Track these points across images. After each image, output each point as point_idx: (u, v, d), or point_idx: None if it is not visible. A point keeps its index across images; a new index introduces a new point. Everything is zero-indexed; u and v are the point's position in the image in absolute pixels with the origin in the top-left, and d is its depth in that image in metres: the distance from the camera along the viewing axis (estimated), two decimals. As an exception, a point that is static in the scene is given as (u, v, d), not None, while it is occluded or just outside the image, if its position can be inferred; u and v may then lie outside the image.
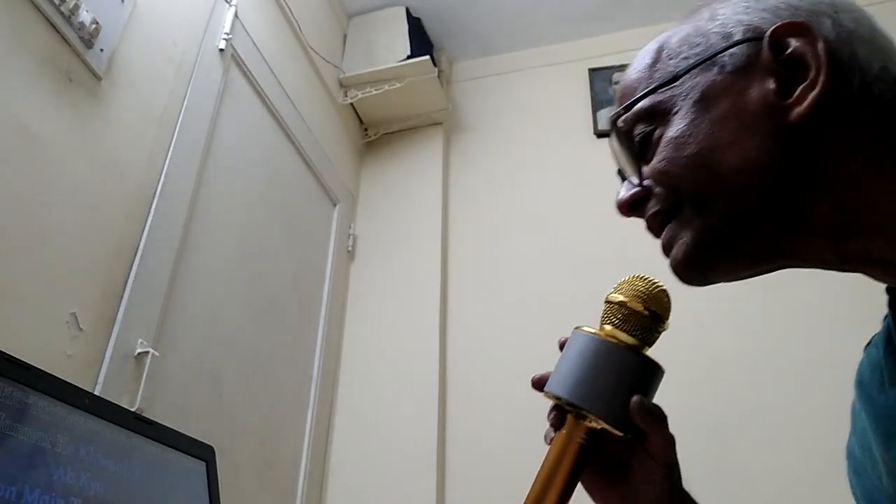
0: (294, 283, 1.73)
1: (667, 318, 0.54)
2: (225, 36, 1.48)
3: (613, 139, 0.55)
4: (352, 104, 2.17)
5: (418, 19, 2.22)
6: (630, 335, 0.52)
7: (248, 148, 1.58)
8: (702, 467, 1.47)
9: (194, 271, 1.32)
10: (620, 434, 0.51)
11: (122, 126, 1.16)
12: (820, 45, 0.44)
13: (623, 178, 0.55)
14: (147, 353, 1.11)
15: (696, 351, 1.64)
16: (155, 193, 1.21)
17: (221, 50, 1.47)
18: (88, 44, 1.08)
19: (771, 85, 0.46)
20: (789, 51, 0.46)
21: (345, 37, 2.25)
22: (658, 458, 0.53)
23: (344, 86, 2.13)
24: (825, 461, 1.49)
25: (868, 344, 0.53)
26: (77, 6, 1.04)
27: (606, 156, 2.27)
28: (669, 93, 0.50)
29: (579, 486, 0.55)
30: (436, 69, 2.08)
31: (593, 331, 0.54)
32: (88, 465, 0.70)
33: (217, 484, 0.95)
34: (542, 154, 2.18)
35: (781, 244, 0.48)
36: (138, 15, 1.22)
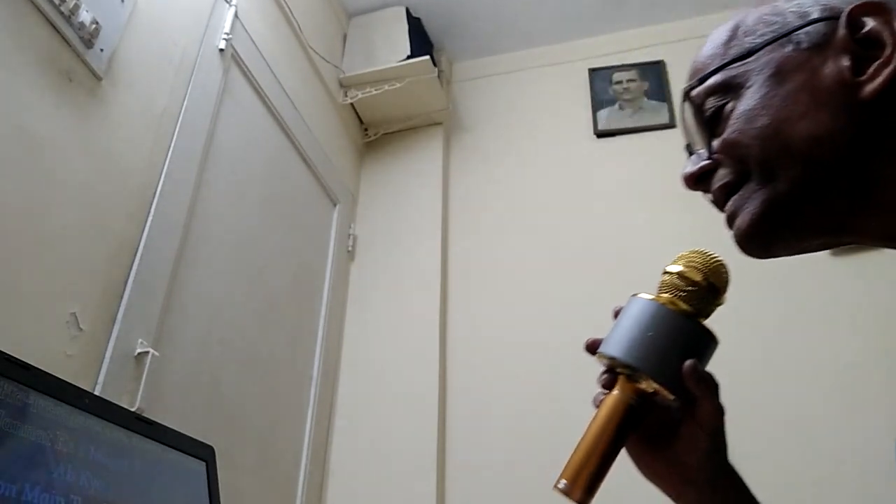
0: (294, 283, 1.73)
1: (724, 292, 0.55)
2: (225, 36, 1.48)
3: (686, 111, 0.56)
4: (352, 104, 2.17)
5: (418, 19, 2.22)
6: (687, 304, 0.53)
7: (248, 148, 1.58)
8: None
9: (194, 271, 1.32)
10: (671, 398, 0.52)
11: (122, 126, 1.16)
12: None
13: (690, 152, 0.56)
14: (147, 353, 1.11)
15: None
16: (155, 193, 1.21)
17: (221, 50, 1.47)
18: (88, 44, 1.08)
19: (845, 62, 0.47)
20: (865, 30, 0.47)
21: (345, 37, 2.25)
22: (706, 425, 0.53)
23: (344, 86, 2.13)
24: (825, 461, 1.50)
25: None
26: (77, 6, 1.04)
27: (607, 156, 2.27)
28: (744, 68, 0.51)
29: (623, 453, 0.55)
30: (436, 69, 2.08)
31: (651, 297, 0.55)
32: (89, 464, 0.70)
33: (217, 484, 0.95)
34: (542, 154, 2.18)
35: (848, 218, 0.48)
36: (138, 15, 1.22)
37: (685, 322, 0.53)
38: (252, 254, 1.55)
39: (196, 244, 1.33)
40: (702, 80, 0.53)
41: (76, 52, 1.06)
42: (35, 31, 0.99)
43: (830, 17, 0.48)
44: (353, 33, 2.24)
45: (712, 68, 0.53)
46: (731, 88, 0.51)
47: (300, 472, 1.63)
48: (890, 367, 1.54)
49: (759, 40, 0.51)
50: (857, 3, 0.47)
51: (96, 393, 0.99)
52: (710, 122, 0.53)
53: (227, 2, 1.52)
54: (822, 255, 1.73)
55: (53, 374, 0.71)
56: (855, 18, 0.47)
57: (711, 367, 0.54)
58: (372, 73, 2.09)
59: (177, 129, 1.29)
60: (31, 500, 0.61)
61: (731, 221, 0.52)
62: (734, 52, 0.52)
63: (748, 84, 0.50)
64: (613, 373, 0.55)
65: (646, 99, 2.15)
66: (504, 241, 2.05)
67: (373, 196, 2.20)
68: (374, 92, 2.09)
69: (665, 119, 2.09)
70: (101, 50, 1.11)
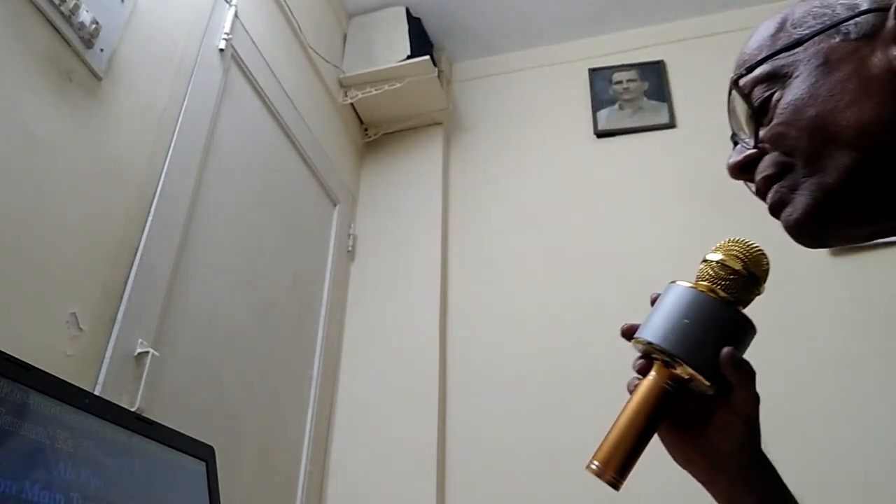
0: (294, 283, 1.73)
1: (764, 281, 0.55)
2: (225, 36, 1.48)
3: (733, 100, 0.56)
4: (352, 104, 2.17)
5: (418, 19, 2.22)
6: (726, 292, 0.54)
7: (248, 148, 1.58)
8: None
9: (194, 271, 1.32)
10: (707, 384, 0.52)
11: (122, 126, 1.16)
12: None
13: (735, 142, 0.57)
14: (147, 353, 1.11)
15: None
16: (155, 193, 1.21)
17: (221, 50, 1.47)
18: (88, 44, 1.08)
19: (894, 52, 0.47)
20: None
21: (345, 37, 2.25)
22: (741, 412, 0.53)
23: (344, 86, 2.13)
24: (823, 462, 1.50)
25: None
26: (77, 6, 1.04)
27: (607, 156, 2.27)
28: (791, 58, 0.51)
29: (655, 440, 0.55)
30: (436, 69, 2.08)
31: (690, 284, 0.55)
32: (89, 463, 0.70)
33: (217, 484, 0.95)
34: (542, 154, 2.18)
35: None
36: (138, 15, 1.22)
37: (724, 309, 0.53)
38: (252, 254, 1.55)
39: (196, 244, 1.33)
40: (750, 70, 0.53)
41: (76, 52, 1.06)
42: (35, 31, 0.99)
43: (880, 9, 0.49)
44: (353, 33, 2.24)
45: (760, 58, 0.53)
46: (779, 78, 0.52)
47: (300, 472, 1.63)
48: (889, 366, 1.54)
49: (807, 31, 0.51)
50: None
51: (96, 393, 0.99)
52: (758, 112, 0.53)
53: (227, 2, 1.52)
54: (822, 255, 1.73)
55: (53, 374, 0.71)
56: None
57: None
58: (372, 73, 2.09)
59: (177, 129, 1.29)
60: (31, 498, 0.61)
61: (776, 210, 0.53)
62: (782, 42, 0.53)
63: (795, 74, 0.51)
64: (649, 358, 0.55)
65: (646, 99, 2.15)
66: (504, 241, 2.05)
67: (373, 196, 2.20)
68: (374, 92, 2.09)
69: (665, 119, 2.09)
70: (101, 50, 1.11)
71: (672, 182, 1.97)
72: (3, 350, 0.66)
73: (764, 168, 0.53)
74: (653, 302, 0.57)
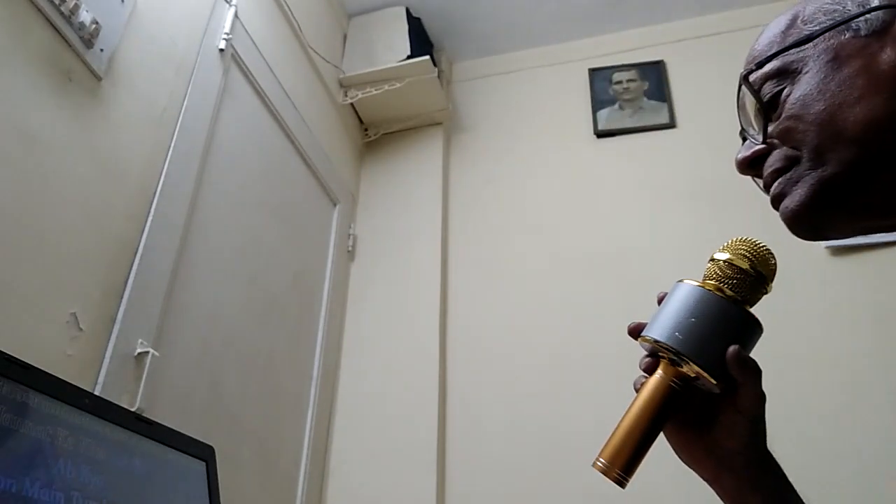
0: (294, 283, 1.73)
1: (771, 280, 0.55)
2: (225, 36, 1.48)
3: (743, 95, 0.56)
4: (352, 104, 2.17)
5: (418, 19, 2.22)
6: (733, 291, 0.54)
7: (248, 148, 1.58)
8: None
9: (194, 271, 1.32)
10: (713, 382, 0.52)
11: (122, 126, 1.16)
12: None
13: (744, 138, 0.57)
14: (147, 353, 1.11)
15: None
16: (155, 193, 1.21)
17: (221, 50, 1.47)
18: (88, 44, 1.08)
19: None
20: None
21: (345, 37, 2.25)
22: (746, 411, 0.53)
23: (344, 86, 2.13)
24: (823, 462, 1.50)
25: None
26: (77, 6, 1.04)
27: (607, 156, 2.27)
28: (801, 54, 0.52)
29: (661, 439, 0.55)
30: (436, 69, 2.08)
31: (698, 283, 0.55)
32: (89, 461, 0.70)
33: (217, 484, 0.95)
34: (542, 154, 2.18)
35: None
36: (138, 15, 1.22)
37: (731, 308, 0.53)
38: (252, 254, 1.55)
39: (196, 244, 1.33)
40: (760, 65, 0.54)
41: (76, 52, 1.06)
42: (35, 31, 0.99)
43: (891, 6, 0.49)
44: (353, 33, 2.24)
45: (770, 53, 0.53)
46: (789, 74, 0.52)
47: (300, 472, 1.63)
48: (889, 366, 1.54)
49: (817, 27, 0.51)
50: None
51: (96, 393, 0.99)
52: (767, 108, 0.53)
53: (227, 2, 1.52)
54: (822, 255, 1.73)
55: (53, 374, 0.71)
56: None
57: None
58: (372, 73, 2.09)
59: (177, 129, 1.29)
60: (31, 496, 0.61)
61: (776, 202, 0.53)
62: (792, 38, 0.53)
63: (805, 70, 0.51)
64: (656, 357, 0.55)
65: (646, 99, 2.15)
66: (504, 240, 2.05)
67: (373, 196, 2.20)
68: (374, 92, 2.09)
69: (665, 119, 2.09)
70: (101, 50, 1.11)
71: (672, 182, 1.97)
72: (3, 350, 0.66)
73: (772, 163, 0.53)
74: (660, 301, 0.57)
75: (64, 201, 1.01)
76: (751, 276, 0.54)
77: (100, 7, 1.10)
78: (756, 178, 0.56)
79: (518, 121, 2.27)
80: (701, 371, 0.52)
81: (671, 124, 2.08)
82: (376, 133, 2.27)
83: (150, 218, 1.18)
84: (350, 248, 2.08)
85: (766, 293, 0.55)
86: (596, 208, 2.02)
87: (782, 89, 0.52)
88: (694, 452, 0.56)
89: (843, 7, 0.51)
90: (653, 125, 2.10)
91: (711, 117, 1.97)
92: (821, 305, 1.67)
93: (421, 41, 2.17)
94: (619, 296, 1.79)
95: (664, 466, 0.61)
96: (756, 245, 0.55)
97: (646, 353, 0.57)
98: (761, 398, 0.54)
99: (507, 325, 1.90)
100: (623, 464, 0.51)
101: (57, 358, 0.95)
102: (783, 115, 0.52)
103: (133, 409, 1.05)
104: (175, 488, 0.85)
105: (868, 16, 0.49)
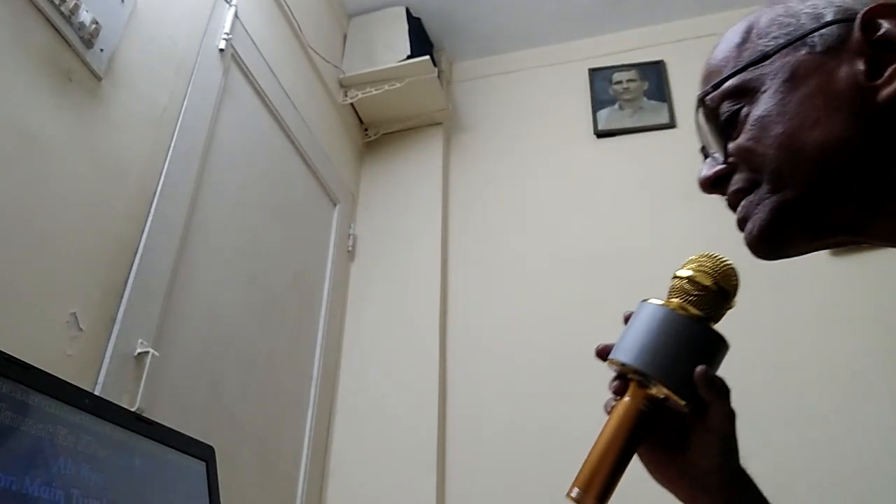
0: (294, 283, 1.73)
1: (734, 295, 0.55)
2: (225, 36, 1.48)
3: (700, 116, 0.56)
4: (352, 104, 2.17)
5: (418, 19, 2.22)
6: (697, 309, 0.53)
7: (248, 148, 1.58)
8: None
9: (194, 271, 1.32)
10: (682, 403, 0.52)
11: (122, 126, 1.16)
12: None
13: (706, 155, 0.56)
14: (147, 353, 1.11)
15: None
16: (155, 193, 1.21)
17: (221, 50, 1.47)
18: (88, 44, 1.08)
19: (860, 66, 0.46)
20: (880, 32, 0.46)
21: (345, 37, 2.25)
22: (716, 430, 0.53)
23: (344, 86, 2.13)
24: (823, 462, 1.50)
25: None
26: (77, 6, 1.04)
27: (607, 156, 2.27)
28: (758, 72, 0.51)
29: (636, 460, 0.55)
30: (436, 69, 2.08)
31: (661, 302, 0.55)
32: (89, 460, 0.70)
33: (217, 484, 0.95)
34: (542, 154, 2.18)
35: (861, 221, 0.48)
36: (138, 15, 1.22)
37: (695, 327, 0.53)
38: (252, 254, 1.55)
39: (196, 244, 1.33)
40: (716, 86, 0.53)
41: (76, 52, 1.06)
42: (35, 31, 0.99)
43: (845, 20, 0.48)
44: (353, 33, 2.24)
45: (727, 73, 0.53)
46: (747, 93, 0.51)
47: (300, 472, 1.63)
48: (890, 366, 1.54)
49: (772, 43, 0.51)
50: (873, 4, 0.47)
51: (96, 393, 0.99)
52: (726, 127, 0.53)
53: (227, 2, 1.52)
54: (823, 255, 1.73)
55: (53, 374, 0.71)
56: (870, 21, 0.47)
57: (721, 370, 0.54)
58: (372, 73, 2.09)
59: (177, 129, 1.29)
60: (31, 494, 0.61)
61: (741, 225, 0.52)
62: (748, 55, 0.52)
63: (763, 88, 0.50)
64: (625, 379, 0.55)
65: (646, 99, 2.15)
66: (504, 240, 2.05)
67: (373, 196, 2.20)
68: (374, 92, 2.09)
69: (665, 119, 2.09)
70: (101, 50, 1.11)
71: (672, 182, 1.97)
72: (3, 350, 0.66)
73: (735, 183, 0.53)
74: (626, 320, 0.57)
75: (64, 201, 1.01)
76: (713, 292, 0.54)
77: (100, 7, 1.10)
78: (722, 196, 0.55)
79: (518, 121, 2.27)
80: (668, 392, 0.52)
81: (671, 124, 2.08)
82: (376, 133, 2.27)
83: (150, 218, 1.18)
84: (350, 248, 2.08)
85: (729, 308, 0.55)
86: (596, 208, 2.02)
87: (741, 108, 0.51)
88: (667, 473, 0.56)
89: (798, 21, 0.50)
90: (653, 125, 2.10)
91: (711, 117, 1.97)
92: (821, 305, 1.67)
93: (421, 41, 2.17)
94: (619, 295, 1.78)
95: (649, 486, 0.61)
96: (718, 261, 0.55)
97: (614, 374, 0.56)
98: (731, 416, 0.54)
99: (507, 324, 1.90)
100: (598, 492, 0.51)
101: (57, 358, 0.95)
102: (742, 135, 0.51)
103: (133, 409, 1.05)
104: (175, 488, 0.85)
105: (823, 31, 0.48)
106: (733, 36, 0.55)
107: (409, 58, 2.05)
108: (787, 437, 1.54)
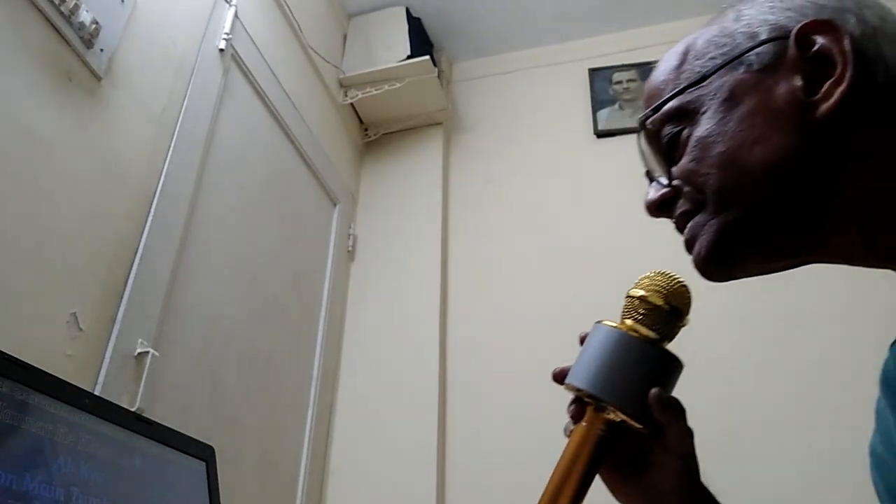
0: (294, 283, 1.73)
1: (687, 313, 0.55)
2: (225, 36, 1.48)
3: (642, 140, 0.55)
4: (352, 104, 2.17)
5: (418, 19, 2.22)
6: (650, 329, 0.53)
7: (248, 148, 1.58)
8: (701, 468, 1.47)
9: (194, 271, 1.32)
10: (639, 426, 0.52)
11: (122, 126, 1.16)
12: (846, 42, 0.45)
13: (651, 178, 0.56)
14: (147, 353, 1.11)
15: (692, 354, 1.64)
16: (155, 193, 1.21)
17: (221, 50, 1.47)
18: (88, 44, 1.08)
19: (798, 82, 0.46)
20: (815, 48, 0.46)
21: (345, 37, 2.25)
22: (675, 451, 0.53)
23: (344, 86, 2.13)
24: (823, 462, 1.50)
25: (893, 342, 0.54)
26: (77, 6, 1.04)
27: (607, 156, 2.27)
28: (697, 93, 0.50)
29: (598, 480, 0.55)
30: (436, 69, 2.08)
31: (614, 324, 0.55)
32: (89, 459, 0.70)
33: (217, 484, 0.95)
34: (542, 154, 2.18)
35: (808, 239, 0.48)
36: (138, 15, 1.22)
37: (648, 349, 0.53)
38: (252, 254, 1.55)
39: (196, 244, 1.33)
40: (656, 110, 0.53)
41: (76, 52, 1.06)
42: (35, 31, 0.99)
43: (780, 37, 0.48)
44: (353, 33, 2.24)
45: (665, 96, 0.52)
46: (687, 115, 0.51)
47: (300, 472, 1.63)
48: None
49: (709, 64, 0.50)
50: (806, 21, 0.47)
51: (96, 393, 0.99)
52: (668, 150, 0.52)
53: (227, 2, 1.52)
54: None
55: (53, 374, 0.71)
56: (804, 37, 0.46)
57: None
58: (372, 73, 2.09)
59: (177, 129, 1.29)
60: (31, 492, 0.61)
61: (689, 247, 0.52)
62: (686, 77, 0.52)
63: (703, 110, 0.50)
64: (582, 402, 0.55)
65: (646, 99, 2.15)
66: (504, 241, 2.05)
67: (373, 196, 2.20)
68: (374, 92, 2.09)
69: (665, 119, 2.09)
70: (101, 50, 1.11)
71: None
72: (3, 350, 0.66)
73: (681, 206, 0.52)
74: (581, 341, 0.57)
75: (64, 201, 1.01)
76: (665, 311, 0.53)
77: (100, 7, 1.10)
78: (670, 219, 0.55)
79: (518, 121, 2.27)
80: (624, 417, 0.51)
81: (671, 124, 2.07)
82: (376, 133, 2.27)
83: (150, 218, 1.18)
84: (350, 248, 2.08)
85: (683, 326, 0.55)
86: (596, 208, 2.02)
87: (682, 130, 0.51)
88: (629, 494, 0.56)
89: (733, 40, 0.50)
90: (653, 125, 2.09)
91: (711, 117, 1.97)
92: (819, 304, 1.67)
93: (421, 41, 2.17)
94: (619, 295, 1.78)
95: None
96: (670, 279, 0.54)
97: (572, 398, 0.56)
98: (689, 435, 0.53)
99: (507, 325, 1.89)
100: None
101: (57, 358, 0.95)
102: (685, 157, 0.51)
103: (133, 409, 1.05)
104: (175, 488, 0.85)
105: (759, 49, 0.48)
106: (671, 58, 0.54)
107: (409, 58, 2.05)
108: (785, 437, 1.54)
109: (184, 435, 0.93)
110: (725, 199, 0.48)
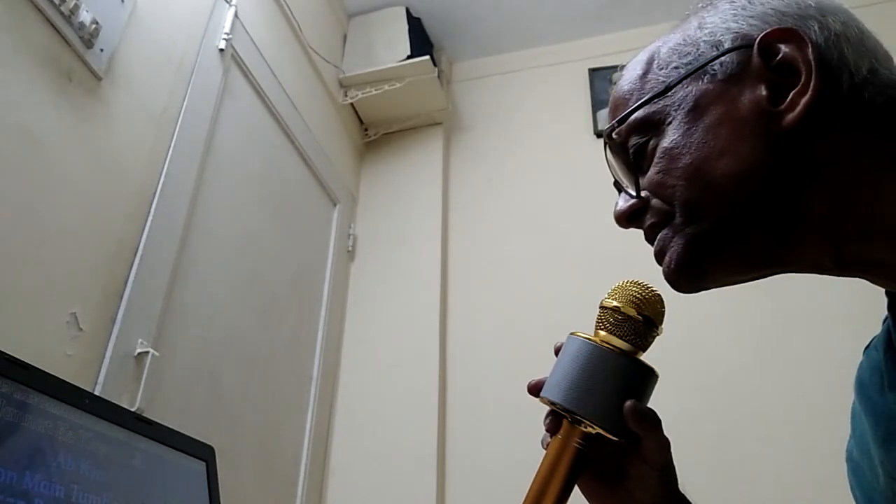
0: (294, 283, 1.73)
1: (661, 323, 0.54)
2: (225, 36, 1.48)
3: (608, 152, 0.55)
4: (352, 104, 2.17)
5: (418, 19, 2.22)
6: (624, 340, 0.53)
7: (248, 148, 1.58)
8: (699, 471, 1.47)
9: (194, 271, 1.32)
10: (615, 439, 0.51)
11: (122, 126, 1.16)
12: (809, 50, 0.45)
13: (620, 189, 0.55)
14: (147, 353, 1.11)
15: (692, 354, 1.64)
16: (155, 193, 1.21)
17: (221, 50, 1.47)
18: (88, 44, 1.08)
19: (762, 91, 0.46)
20: (779, 57, 0.46)
21: (345, 37, 2.25)
22: (652, 461, 0.53)
23: (344, 86, 2.13)
24: (823, 462, 1.50)
25: (868, 346, 0.53)
26: (77, 6, 1.04)
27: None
28: (662, 103, 0.50)
29: (576, 490, 0.55)
30: (436, 69, 2.08)
31: (587, 336, 0.54)
32: (89, 456, 0.70)
33: (217, 484, 0.95)
34: (541, 154, 2.18)
35: (777, 250, 0.47)
36: (138, 15, 1.22)
37: (623, 361, 0.52)
38: (252, 254, 1.55)
39: (196, 244, 1.33)
40: (621, 121, 0.52)
41: (76, 52, 1.06)
42: (35, 31, 0.99)
43: (743, 46, 0.47)
44: (353, 33, 2.24)
45: (631, 107, 0.52)
46: (652, 125, 0.50)
47: (300, 472, 1.63)
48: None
49: (673, 74, 0.50)
50: (769, 29, 0.46)
51: (96, 393, 0.99)
52: (635, 160, 0.52)
53: (227, 2, 1.52)
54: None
55: (53, 374, 0.71)
56: (768, 45, 0.46)
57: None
58: (372, 73, 2.09)
59: (177, 129, 1.29)
60: (31, 489, 0.61)
61: (659, 258, 0.51)
62: (650, 87, 0.51)
63: (668, 120, 0.49)
64: (558, 415, 0.54)
65: (646, 99, 2.15)
66: (504, 240, 2.05)
67: (373, 196, 2.20)
68: (374, 92, 2.09)
69: (665, 119, 2.09)
70: (101, 50, 1.11)
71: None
72: (3, 350, 0.66)
73: (650, 217, 0.52)
74: (556, 352, 0.56)
75: (64, 201, 1.01)
76: (639, 322, 0.53)
77: (100, 7, 1.10)
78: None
79: (518, 121, 2.27)
80: (600, 430, 0.51)
81: (671, 124, 2.08)
82: (376, 133, 2.27)
83: (150, 218, 1.18)
84: (350, 248, 2.08)
85: (657, 335, 0.54)
86: (596, 208, 2.02)
87: (648, 140, 0.51)
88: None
89: (697, 49, 0.49)
90: (653, 125, 2.10)
91: (711, 117, 1.97)
92: (819, 304, 1.67)
93: (421, 41, 2.17)
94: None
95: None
96: (644, 288, 0.54)
97: (548, 410, 0.56)
98: (666, 446, 0.53)
99: (507, 324, 1.89)
100: None
101: (57, 358, 0.95)
102: (652, 168, 0.50)
103: (133, 409, 1.05)
104: (175, 488, 0.85)
105: (723, 59, 0.48)
106: (636, 67, 0.54)
107: (409, 58, 2.05)
108: (785, 437, 1.54)
109: (184, 435, 0.93)
110: (693, 211, 0.48)
